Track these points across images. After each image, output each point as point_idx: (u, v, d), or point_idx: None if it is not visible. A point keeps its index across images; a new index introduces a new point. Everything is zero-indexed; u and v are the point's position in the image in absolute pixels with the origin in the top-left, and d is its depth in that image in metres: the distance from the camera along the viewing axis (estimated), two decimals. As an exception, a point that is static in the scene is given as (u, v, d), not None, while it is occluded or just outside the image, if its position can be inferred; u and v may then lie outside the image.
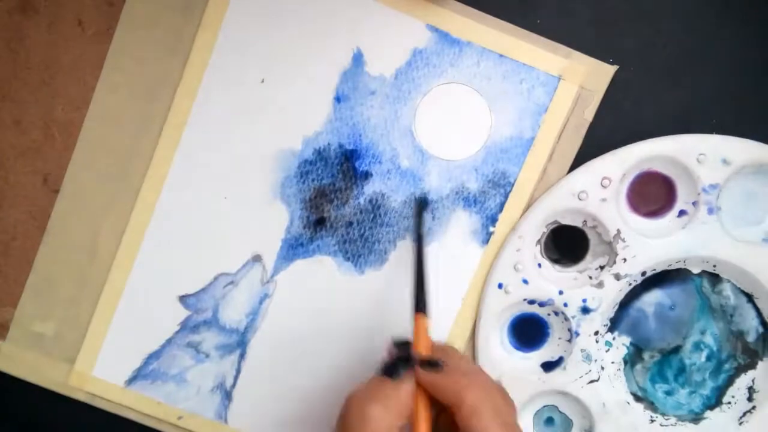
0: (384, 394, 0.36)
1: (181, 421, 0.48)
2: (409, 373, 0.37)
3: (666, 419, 0.48)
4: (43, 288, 0.48)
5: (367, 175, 0.47)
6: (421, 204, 0.47)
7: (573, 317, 0.46)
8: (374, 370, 0.39)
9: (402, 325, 0.47)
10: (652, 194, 0.46)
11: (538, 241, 0.47)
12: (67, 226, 0.47)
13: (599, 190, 0.45)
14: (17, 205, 0.48)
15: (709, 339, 0.48)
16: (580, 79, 0.45)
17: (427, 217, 0.47)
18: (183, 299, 0.48)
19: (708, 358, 0.48)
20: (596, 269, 0.46)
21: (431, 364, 0.37)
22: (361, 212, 0.47)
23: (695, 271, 0.47)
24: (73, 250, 0.48)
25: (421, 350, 0.39)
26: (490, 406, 0.35)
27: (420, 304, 0.41)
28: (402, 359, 0.38)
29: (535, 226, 0.46)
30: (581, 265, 0.47)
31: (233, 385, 0.48)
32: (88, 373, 0.48)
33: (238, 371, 0.48)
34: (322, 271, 0.48)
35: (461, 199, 0.47)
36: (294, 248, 0.47)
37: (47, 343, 0.48)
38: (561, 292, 0.46)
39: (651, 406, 0.48)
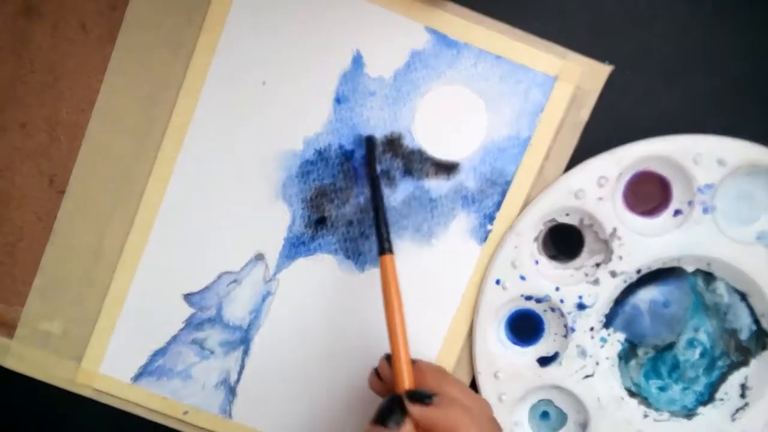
0: None
1: (186, 416, 0.47)
2: (402, 421, 0.36)
3: (659, 414, 0.47)
4: (50, 287, 0.47)
5: (367, 175, 0.45)
6: (371, 142, 0.44)
7: (569, 313, 0.45)
8: (367, 420, 0.37)
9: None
10: (648, 193, 0.45)
11: (536, 239, 0.45)
12: (73, 226, 0.46)
13: (596, 189, 0.44)
14: (24, 207, 0.46)
15: (702, 336, 0.46)
16: (575, 79, 0.44)
17: (378, 156, 0.45)
18: (187, 297, 0.47)
19: (701, 355, 0.46)
20: (592, 266, 0.45)
21: (421, 397, 0.36)
22: (361, 211, 0.46)
23: (690, 269, 0.45)
24: (79, 250, 0.46)
25: (402, 353, 0.38)
26: None
27: (385, 244, 0.40)
28: (394, 401, 0.37)
29: (533, 224, 0.45)
30: (577, 262, 0.46)
31: (237, 381, 0.47)
32: (95, 371, 0.47)
33: (242, 367, 0.47)
34: (324, 269, 0.46)
35: (460, 197, 0.45)
36: (296, 247, 0.46)
37: (54, 342, 0.47)
38: (557, 289, 0.45)
39: (645, 401, 0.47)
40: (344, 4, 0.44)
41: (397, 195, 0.46)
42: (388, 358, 0.39)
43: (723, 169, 0.43)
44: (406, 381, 0.38)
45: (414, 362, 0.39)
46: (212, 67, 0.44)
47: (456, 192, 0.45)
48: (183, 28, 0.44)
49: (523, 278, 0.45)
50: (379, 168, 0.45)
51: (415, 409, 0.35)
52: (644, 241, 0.44)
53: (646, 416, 0.47)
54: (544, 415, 0.47)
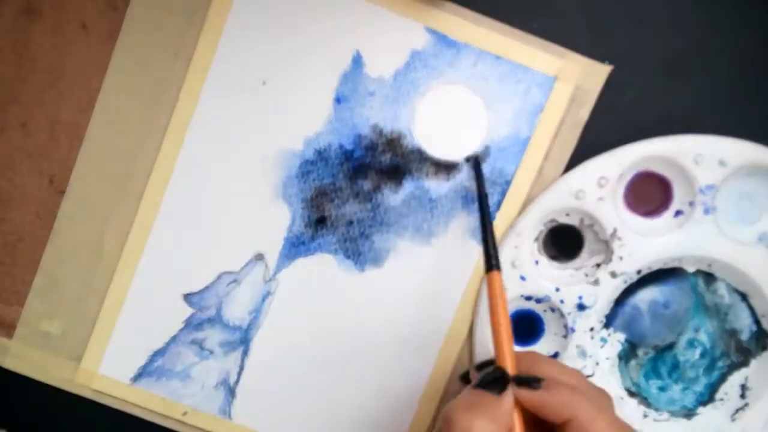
0: (487, 408, 0.34)
1: (185, 417, 0.47)
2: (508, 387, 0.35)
3: (659, 414, 0.46)
4: (50, 287, 0.46)
5: (367, 175, 0.45)
6: (477, 162, 0.44)
7: (569, 314, 0.45)
8: (468, 384, 0.37)
9: (402, 321, 0.46)
10: (649, 194, 0.44)
11: (536, 239, 0.45)
12: (73, 226, 0.46)
13: (596, 189, 0.43)
14: (24, 206, 0.46)
15: (702, 337, 0.46)
16: (575, 79, 0.44)
17: (484, 174, 0.44)
18: (187, 297, 0.46)
19: (701, 356, 0.46)
20: (592, 267, 0.45)
21: (529, 382, 0.35)
22: (361, 211, 0.45)
23: (690, 270, 0.45)
24: (79, 249, 0.46)
25: (507, 352, 0.36)
26: (605, 422, 0.33)
27: (493, 261, 0.40)
28: (498, 377, 0.36)
29: (533, 224, 0.44)
30: (577, 262, 0.45)
31: (237, 382, 0.47)
32: (95, 371, 0.47)
33: (242, 368, 0.47)
34: (324, 269, 0.46)
35: (460, 197, 0.45)
36: (296, 247, 0.46)
37: (54, 342, 0.47)
38: (557, 289, 0.45)
39: (644, 401, 0.47)
40: (344, 4, 0.43)
41: (397, 195, 0.45)
42: (478, 366, 0.39)
43: (724, 169, 0.42)
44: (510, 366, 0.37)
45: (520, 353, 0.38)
46: (212, 67, 0.44)
47: (456, 192, 0.45)
48: (183, 28, 0.44)
49: (523, 278, 0.45)
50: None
51: (525, 395, 0.34)
52: (645, 242, 0.44)
53: (645, 416, 0.46)
54: (544, 415, 0.47)
